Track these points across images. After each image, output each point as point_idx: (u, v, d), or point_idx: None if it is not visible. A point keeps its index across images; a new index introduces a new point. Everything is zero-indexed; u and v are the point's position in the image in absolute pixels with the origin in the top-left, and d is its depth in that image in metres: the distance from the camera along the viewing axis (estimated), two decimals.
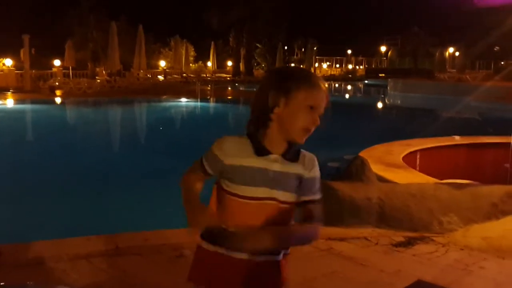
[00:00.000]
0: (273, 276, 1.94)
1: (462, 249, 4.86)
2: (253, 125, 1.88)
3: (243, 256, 1.85)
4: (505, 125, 6.86)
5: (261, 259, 1.87)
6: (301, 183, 1.91)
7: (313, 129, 1.85)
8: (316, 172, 1.95)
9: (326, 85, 1.89)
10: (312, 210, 1.92)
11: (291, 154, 1.89)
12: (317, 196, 1.95)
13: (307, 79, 1.84)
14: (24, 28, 29.19)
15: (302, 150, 1.92)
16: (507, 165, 6.70)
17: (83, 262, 4.14)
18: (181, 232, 5.03)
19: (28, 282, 2.23)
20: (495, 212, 5.58)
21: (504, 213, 5.60)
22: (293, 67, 2.00)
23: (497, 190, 5.75)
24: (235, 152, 1.84)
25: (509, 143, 6.79)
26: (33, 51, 32.72)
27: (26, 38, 27.55)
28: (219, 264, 1.88)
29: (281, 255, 1.94)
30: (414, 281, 3.99)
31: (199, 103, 26.75)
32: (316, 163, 1.96)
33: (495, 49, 56.47)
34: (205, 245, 1.92)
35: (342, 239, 4.97)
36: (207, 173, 1.93)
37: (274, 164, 1.85)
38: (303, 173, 1.90)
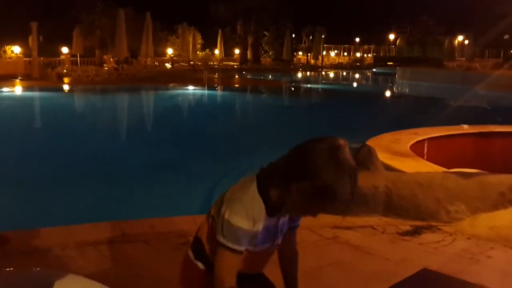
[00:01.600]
0: None
1: (469, 238, 4.83)
2: (271, 172, 1.80)
3: None
4: None
5: None
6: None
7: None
8: None
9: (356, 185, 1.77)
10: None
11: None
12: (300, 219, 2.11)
13: (339, 188, 1.70)
14: (32, 16, 29.22)
15: None
16: None
17: (90, 249, 4.15)
18: (187, 219, 5.04)
19: (35, 269, 2.22)
20: (503, 201, 5.54)
21: None
22: (340, 162, 1.74)
23: (505, 179, 5.70)
24: (258, 217, 1.77)
25: None
26: (41, 38, 32.74)
27: (34, 25, 27.54)
28: None
29: None
30: (420, 269, 3.97)
31: (206, 91, 26.72)
32: None
33: (505, 37, 55.88)
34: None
35: (348, 228, 4.96)
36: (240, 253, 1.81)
37: (281, 219, 1.90)
38: None
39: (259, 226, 1.77)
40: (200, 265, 1.94)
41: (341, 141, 1.75)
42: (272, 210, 1.79)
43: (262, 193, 1.77)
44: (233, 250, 1.75)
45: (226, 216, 1.74)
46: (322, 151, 1.72)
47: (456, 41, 58.82)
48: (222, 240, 1.75)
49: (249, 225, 1.74)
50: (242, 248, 1.76)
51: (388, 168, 6.18)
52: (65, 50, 32.35)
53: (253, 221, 1.75)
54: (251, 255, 1.84)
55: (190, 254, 1.96)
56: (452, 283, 3.74)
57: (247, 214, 1.73)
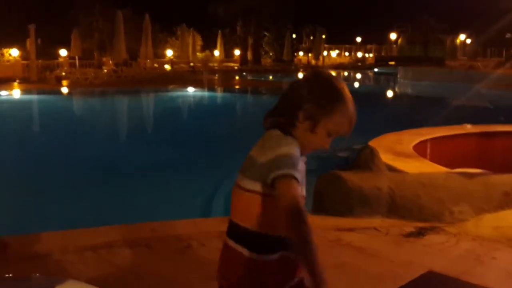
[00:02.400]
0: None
1: (474, 239, 4.78)
2: (284, 122, 1.79)
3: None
4: None
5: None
6: None
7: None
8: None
9: (354, 111, 1.81)
10: None
11: None
12: None
13: (336, 99, 1.76)
14: (30, 18, 29.18)
15: None
16: None
17: (90, 254, 4.11)
18: (188, 223, 5.00)
19: (34, 275, 2.18)
20: (507, 201, 5.50)
21: None
22: (338, 84, 1.80)
23: (509, 179, 5.66)
24: (297, 151, 1.75)
25: None
26: (39, 41, 32.76)
27: (32, 28, 27.51)
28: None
29: None
30: (425, 272, 3.93)
31: (206, 93, 26.70)
32: None
33: (507, 36, 55.86)
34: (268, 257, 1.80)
35: (351, 230, 4.91)
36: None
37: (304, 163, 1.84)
38: None
39: (300, 165, 1.74)
40: (243, 250, 1.78)
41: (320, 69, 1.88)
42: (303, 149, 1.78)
43: (286, 133, 1.76)
44: (293, 177, 1.64)
45: (274, 154, 1.68)
46: (309, 76, 1.84)
47: (458, 40, 58.81)
48: (280, 172, 1.64)
49: (296, 151, 1.70)
50: (298, 176, 1.66)
51: (391, 168, 6.15)
52: (63, 52, 32.33)
53: (296, 150, 1.71)
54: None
55: (230, 242, 1.81)
56: (457, 285, 3.70)
57: (288, 143, 1.71)
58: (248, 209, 1.78)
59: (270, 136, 1.75)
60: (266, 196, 1.72)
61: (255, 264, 1.78)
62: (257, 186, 1.74)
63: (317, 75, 1.84)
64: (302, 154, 1.78)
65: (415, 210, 5.22)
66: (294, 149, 1.69)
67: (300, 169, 1.72)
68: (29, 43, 28.22)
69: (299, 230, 1.57)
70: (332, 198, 5.39)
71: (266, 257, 1.78)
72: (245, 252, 1.78)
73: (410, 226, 5.01)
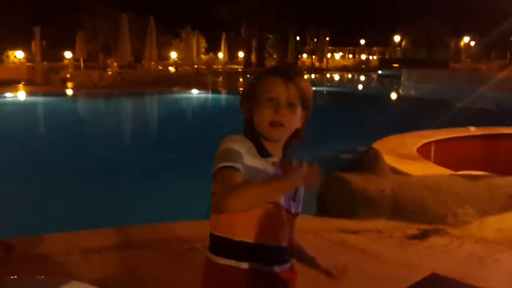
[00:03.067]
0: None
1: (477, 242, 4.77)
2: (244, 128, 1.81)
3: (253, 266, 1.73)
4: None
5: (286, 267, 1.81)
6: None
7: (285, 122, 1.71)
8: None
9: (290, 73, 1.74)
10: None
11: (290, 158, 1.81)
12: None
13: (263, 74, 1.77)
14: (35, 20, 29.30)
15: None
16: None
17: (94, 255, 4.12)
18: (191, 224, 5.00)
19: (39, 276, 2.18)
20: (511, 203, 5.49)
21: None
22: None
23: None
24: (248, 151, 1.70)
25: None
26: (44, 43, 32.84)
27: (37, 30, 27.61)
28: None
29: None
30: (429, 274, 3.92)
31: (210, 95, 26.72)
32: None
33: (511, 38, 55.70)
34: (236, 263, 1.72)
35: (355, 232, 4.90)
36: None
37: (274, 167, 1.74)
38: None
39: (253, 161, 1.68)
40: (222, 260, 1.73)
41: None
42: (258, 146, 1.73)
43: (245, 134, 1.77)
44: (230, 167, 1.63)
45: (222, 146, 1.71)
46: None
47: (462, 43, 58.68)
48: (221, 163, 1.65)
49: (240, 149, 1.67)
50: (238, 165, 1.63)
51: (395, 171, 6.15)
52: (68, 54, 32.46)
53: (242, 148, 1.68)
54: (271, 214, 1.69)
55: (210, 255, 1.76)
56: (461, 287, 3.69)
57: (232, 141, 1.70)
58: (212, 212, 1.79)
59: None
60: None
61: (214, 266, 1.74)
62: (212, 187, 1.75)
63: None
64: (268, 139, 1.74)
65: (418, 212, 5.21)
66: (234, 144, 1.68)
67: (261, 168, 1.69)
68: (34, 45, 28.33)
69: (240, 202, 1.57)
70: (336, 200, 5.39)
71: (232, 262, 1.71)
72: (209, 255, 1.76)
73: (413, 229, 5.00)
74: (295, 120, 1.74)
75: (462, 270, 4.12)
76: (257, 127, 1.74)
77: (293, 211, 1.80)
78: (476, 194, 5.39)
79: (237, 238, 1.70)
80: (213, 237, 1.77)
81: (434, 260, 4.32)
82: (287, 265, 1.81)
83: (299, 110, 1.75)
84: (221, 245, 1.73)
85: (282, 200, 1.72)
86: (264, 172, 1.70)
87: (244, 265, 1.70)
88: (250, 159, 1.69)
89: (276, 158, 1.76)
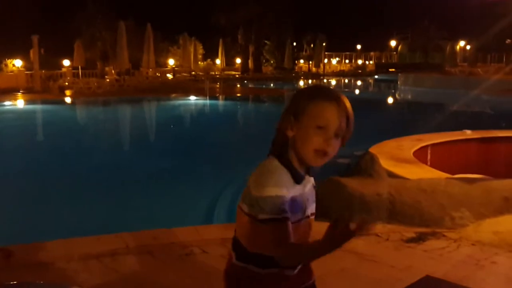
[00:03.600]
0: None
1: (474, 244, 4.81)
2: (274, 146, 1.81)
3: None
4: None
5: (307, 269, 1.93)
6: None
7: (329, 151, 1.72)
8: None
9: (344, 103, 1.74)
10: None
11: (310, 170, 1.86)
12: None
13: (316, 96, 1.73)
14: (33, 29, 29.31)
15: None
16: None
17: (93, 262, 4.15)
18: (190, 230, 5.04)
19: (38, 282, 2.21)
20: (508, 206, 5.53)
21: None
22: (316, 85, 1.87)
23: (509, 184, 5.70)
24: (287, 185, 1.73)
25: None
26: (42, 51, 32.86)
27: (35, 38, 27.64)
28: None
29: None
30: (423, 276, 3.97)
31: (208, 101, 26.76)
32: None
33: (507, 42, 55.91)
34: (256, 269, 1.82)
35: None
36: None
37: (307, 185, 1.83)
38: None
39: (293, 192, 1.73)
40: (232, 254, 1.86)
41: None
42: (297, 175, 1.76)
43: (282, 161, 1.75)
44: (277, 220, 1.67)
45: (257, 194, 1.69)
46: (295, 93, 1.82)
47: (458, 46, 58.81)
48: (262, 216, 1.68)
49: (283, 192, 1.69)
50: (285, 214, 1.68)
51: (392, 175, 6.19)
52: (66, 62, 32.48)
53: (285, 188, 1.70)
54: (297, 227, 1.77)
55: (232, 254, 1.86)
56: None
57: (276, 182, 1.69)
58: (245, 230, 1.81)
59: (260, 166, 1.76)
60: (255, 221, 1.73)
61: (237, 270, 1.84)
62: (251, 212, 1.75)
63: (294, 94, 1.85)
64: (310, 167, 1.80)
65: (415, 215, 5.26)
66: (279, 189, 1.69)
67: (298, 195, 1.75)
68: (33, 54, 28.34)
69: (286, 261, 1.71)
70: (333, 204, 5.42)
71: (249, 266, 1.81)
72: (233, 256, 1.85)
73: (410, 232, 5.05)
74: (337, 148, 1.77)
75: (459, 273, 4.16)
76: (298, 150, 1.75)
77: (310, 212, 1.88)
78: (472, 197, 5.43)
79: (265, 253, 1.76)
80: (250, 255, 1.82)
81: (431, 263, 4.36)
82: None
83: (342, 139, 1.78)
84: (258, 259, 1.78)
85: (297, 214, 1.78)
86: (301, 197, 1.79)
87: (276, 271, 1.79)
88: (292, 191, 1.74)
89: (306, 178, 1.82)
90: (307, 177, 1.82)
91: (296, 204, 1.76)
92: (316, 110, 1.71)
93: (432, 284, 3.80)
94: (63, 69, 32.18)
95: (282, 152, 1.77)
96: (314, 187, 1.90)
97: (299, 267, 1.85)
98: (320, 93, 1.74)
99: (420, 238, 4.89)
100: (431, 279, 3.88)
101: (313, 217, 1.89)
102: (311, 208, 1.87)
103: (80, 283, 3.64)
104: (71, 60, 32.91)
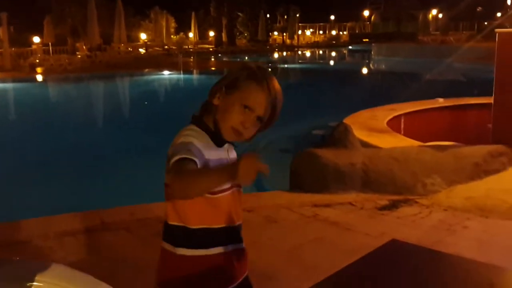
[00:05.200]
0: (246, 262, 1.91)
1: (446, 210, 4.93)
2: (200, 110, 1.81)
3: (221, 250, 1.77)
4: (488, 85, 6.92)
5: (236, 248, 1.83)
6: None
7: (244, 133, 1.72)
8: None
9: (276, 92, 1.74)
10: None
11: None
12: None
13: (251, 77, 1.73)
14: (1, 7, 28.52)
15: None
16: (490, 125, 6.75)
17: (70, 239, 4.15)
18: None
19: (14, 258, 2.20)
20: (478, 172, 5.66)
21: (487, 173, 5.69)
22: (256, 65, 1.80)
23: (479, 150, 5.83)
24: (205, 145, 1.71)
25: (492, 103, 6.85)
26: (11, 29, 32.07)
27: (4, 16, 26.92)
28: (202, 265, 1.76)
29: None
30: (388, 240, 4.06)
31: (182, 75, 26.53)
32: None
33: (478, 9, 56.35)
34: (183, 251, 1.75)
35: (327, 206, 5.02)
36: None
37: (229, 152, 1.80)
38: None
39: (209, 154, 1.69)
40: (164, 245, 1.80)
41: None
42: (216, 138, 1.74)
43: (200, 125, 1.75)
44: (185, 159, 1.59)
45: (170, 150, 1.66)
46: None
47: (430, 15, 59.08)
48: (177, 156, 1.60)
49: (197, 142, 1.67)
50: (195, 157, 1.60)
51: (366, 144, 6.26)
52: (36, 39, 31.73)
53: (201, 143, 1.68)
54: (221, 198, 1.72)
55: (164, 244, 1.81)
56: (419, 252, 3.86)
57: (192, 136, 1.68)
58: (166, 204, 1.79)
59: (181, 130, 1.75)
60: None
61: (175, 258, 1.77)
62: (167, 179, 1.72)
63: (237, 66, 1.86)
64: (228, 141, 1.77)
65: (388, 184, 5.35)
66: (192, 139, 1.67)
67: (215, 158, 1.71)
68: (2, 32, 27.61)
69: (185, 185, 1.54)
70: (308, 175, 5.48)
71: (187, 251, 1.75)
72: (166, 246, 1.79)
73: (384, 200, 5.14)
74: (253, 133, 1.76)
75: (431, 238, 4.27)
76: (217, 120, 1.74)
77: (237, 182, 1.77)
78: (444, 164, 5.54)
79: (195, 226, 1.72)
80: (170, 227, 1.78)
81: (404, 229, 4.46)
82: (242, 244, 1.86)
83: (261, 126, 1.76)
84: (179, 235, 1.75)
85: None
86: (223, 160, 1.75)
87: (205, 252, 1.73)
88: (207, 153, 1.69)
89: (227, 143, 1.79)
90: (228, 144, 1.79)
91: (219, 165, 1.70)
92: (250, 90, 1.71)
93: (397, 247, 3.91)
94: (33, 47, 31.45)
95: (202, 116, 1.77)
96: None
97: (231, 247, 1.78)
98: (260, 77, 1.73)
99: (393, 206, 4.99)
100: (396, 242, 3.99)
101: (241, 189, 1.83)
102: None
103: (56, 260, 3.63)
104: (41, 37, 32.19)
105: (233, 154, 1.82)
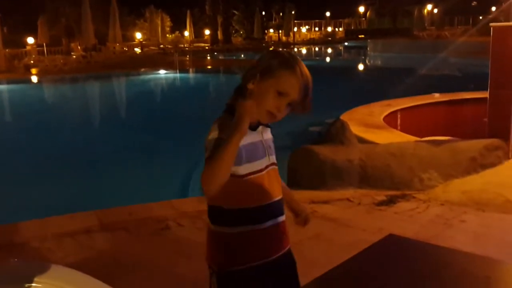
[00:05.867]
0: (286, 228, 2.00)
1: (443, 204, 4.95)
2: (234, 94, 1.88)
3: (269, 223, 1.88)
4: (483, 79, 6.93)
5: (281, 220, 1.94)
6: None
7: (278, 116, 1.83)
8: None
9: (307, 76, 1.85)
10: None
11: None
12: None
13: (285, 64, 1.83)
14: None
15: None
16: (486, 120, 6.77)
17: (68, 240, 4.15)
18: (164, 204, 5.05)
19: (13, 260, 2.20)
20: (474, 166, 5.68)
21: (483, 167, 5.71)
22: (286, 51, 1.93)
23: (475, 145, 5.84)
24: None
25: (487, 98, 6.87)
26: (5, 30, 31.97)
27: None
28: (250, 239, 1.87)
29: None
30: (386, 235, 4.08)
31: (178, 75, 26.50)
32: None
33: (473, 4, 56.40)
34: (228, 229, 1.86)
35: (325, 202, 5.03)
36: None
37: (263, 134, 1.91)
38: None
39: (250, 138, 1.81)
40: (209, 224, 1.90)
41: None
42: (253, 124, 1.82)
43: (234, 113, 1.80)
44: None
45: (206, 142, 1.77)
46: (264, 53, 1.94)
47: (426, 10, 59.08)
48: (215, 138, 1.74)
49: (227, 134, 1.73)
50: None
51: (362, 140, 6.27)
52: (30, 40, 31.63)
53: None
54: (255, 179, 1.83)
55: (210, 225, 1.91)
56: (416, 246, 3.88)
57: (223, 130, 1.75)
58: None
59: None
60: None
61: (215, 236, 1.88)
62: None
63: (267, 52, 1.96)
64: (261, 123, 1.87)
65: (385, 179, 5.36)
66: (219, 134, 1.75)
67: (249, 142, 1.80)
68: None
69: (209, 171, 1.66)
70: (306, 172, 5.49)
71: (224, 229, 1.85)
72: (209, 225, 1.90)
73: (381, 195, 5.16)
74: (286, 113, 1.87)
75: (429, 232, 4.28)
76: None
77: (272, 161, 1.93)
78: (440, 158, 5.56)
79: (232, 207, 1.83)
80: (209, 209, 1.89)
81: (401, 224, 4.48)
82: (284, 216, 1.97)
83: (291, 108, 1.86)
84: (216, 215, 1.86)
85: (253, 164, 1.83)
86: (258, 142, 1.87)
87: (242, 229, 1.84)
88: (246, 138, 1.77)
89: (261, 125, 1.89)
90: (262, 127, 1.90)
91: (258, 149, 1.86)
92: (284, 77, 1.81)
93: (395, 241, 3.94)
94: (28, 47, 31.36)
95: (235, 103, 1.82)
96: (273, 141, 1.97)
97: (270, 223, 1.87)
98: (293, 64, 1.84)
99: (390, 201, 5.00)
100: (394, 237, 4.01)
101: (276, 167, 1.94)
102: (274, 157, 1.94)
103: (55, 261, 3.64)
104: (35, 38, 32.09)
105: (267, 135, 1.93)
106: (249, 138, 1.81)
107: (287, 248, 1.99)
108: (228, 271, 1.86)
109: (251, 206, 1.84)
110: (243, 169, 1.81)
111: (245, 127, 1.70)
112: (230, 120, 1.75)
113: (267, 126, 1.93)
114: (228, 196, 1.80)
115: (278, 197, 1.93)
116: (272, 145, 1.95)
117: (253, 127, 1.84)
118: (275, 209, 1.91)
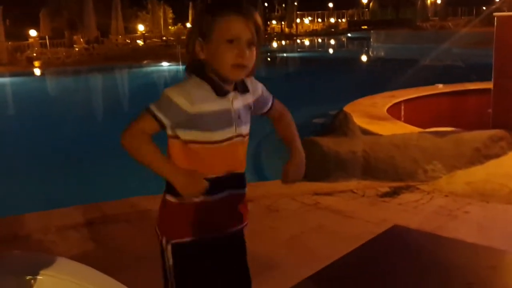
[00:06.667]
0: (245, 205, 1.96)
1: (447, 196, 4.93)
2: (190, 67, 1.79)
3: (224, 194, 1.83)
4: (487, 70, 6.90)
5: (237, 193, 1.88)
6: (254, 106, 1.90)
7: (246, 63, 1.71)
8: (260, 87, 1.91)
9: (250, 11, 1.74)
10: (277, 107, 1.99)
11: (241, 85, 1.82)
12: (271, 99, 1.98)
13: (219, 11, 1.70)
14: None
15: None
16: (490, 110, 6.75)
17: (71, 232, 4.15)
18: None
19: (16, 251, 2.19)
20: (478, 157, 5.66)
21: (487, 158, 5.68)
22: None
23: (479, 135, 5.82)
24: (201, 98, 1.72)
25: (491, 88, 6.84)
26: (7, 22, 31.92)
27: None
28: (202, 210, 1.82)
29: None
30: (390, 226, 4.08)
31: (181, 67, 26.44)
32: (255, 80, 1.91)
33: None
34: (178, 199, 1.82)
35: (328, 194, 5.02)
36: (162, 126, 1.74)
37: (234, 102, 1.79)
38: (253, 98, 1.89)
39: (203, 107, 1.71)
40: (170, 198, 1.86)
41: None
42: (219, 87, 1.74)
43: (201, 75, 1.75)
44: (154, 116, 1.71)
45: (164, 91, 1.72)
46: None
47: (429, 1, 58.76)
48: (151, 106, 1.72)
49: (185, 104, 1.69)
50: (165, 120, 1.71)
51: (366, 132, 6.25)
52: (33, 33, 31.59)
53: (192, 102, 1.69)
54: (212, 149, 1.76)
55: (164, 195, 1.89)
56: (420, 236, 3.88)
57: (182, 91, 1.71)
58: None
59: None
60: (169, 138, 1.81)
61: (166, 204, 1.88)
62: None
63: (195, 13, 1.90)
64: (237, 88, 1.79)
65: (389, 170, 5.34)
66: (182, 100, 1.69)
67: (215, 109, 1.74)
68: None
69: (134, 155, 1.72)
70: (309, 163, 5.42)
71: (169, 197, 1.85)
72: (171, 199, 1.87)
73: (385, 187, 5.14)
74: (254, 58, 1.75)
75: (432, 224, 4.27)
76: (216, 69, 1.73)
77: (243, 132, 1.84)
78: (444, 149, 5.54)
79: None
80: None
81: (405, 216, 4.47)
82: (244, 190, 1.91)
83: (256, 47, 1.75)
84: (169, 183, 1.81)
85: (216, 132, 1.76)
86: (226, 111, 1.76)
87: (205, 198, 1.79)
88: (202, 105, 1.71)
89: (232, 92, 1.78)
90: (234, 93, 1.79)
91: (222, 118, 1.75)
92: (223, 25, 1.69)
93: (399, 232, 3.93)
94: (30, 40, 31.32)
95: (200, 71, 1.76)
96: (250, 108, 1.87)
97: (222, 195, 1.83)
98: (222, 6, 1.72)
99: (394, 192, 4.99)
100: (398, 228, 4.01)
101: (246, 138, 1.86)
102: (244, 128, 1.83)
103: (58, 253, 3.64)
104: (38, 31, 32.04)
105: (238, 104, 1.80)
106: (215, 105, 1.73)
107: (242, 226, 1.93)
108: (177, 242, 1.84)
109: (206, 177, 1.75)
110: (201, 137, 1.74)
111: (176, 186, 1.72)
112: (197, 83, 1.72)
113: (244, 91, 1.82)
114: (183, 163, 1.77)
115: (238, 170, 1.85)
116: (246, 115, 1.83)
117: (223, 93, 1.74)
118: (232, 182, 1.84)
